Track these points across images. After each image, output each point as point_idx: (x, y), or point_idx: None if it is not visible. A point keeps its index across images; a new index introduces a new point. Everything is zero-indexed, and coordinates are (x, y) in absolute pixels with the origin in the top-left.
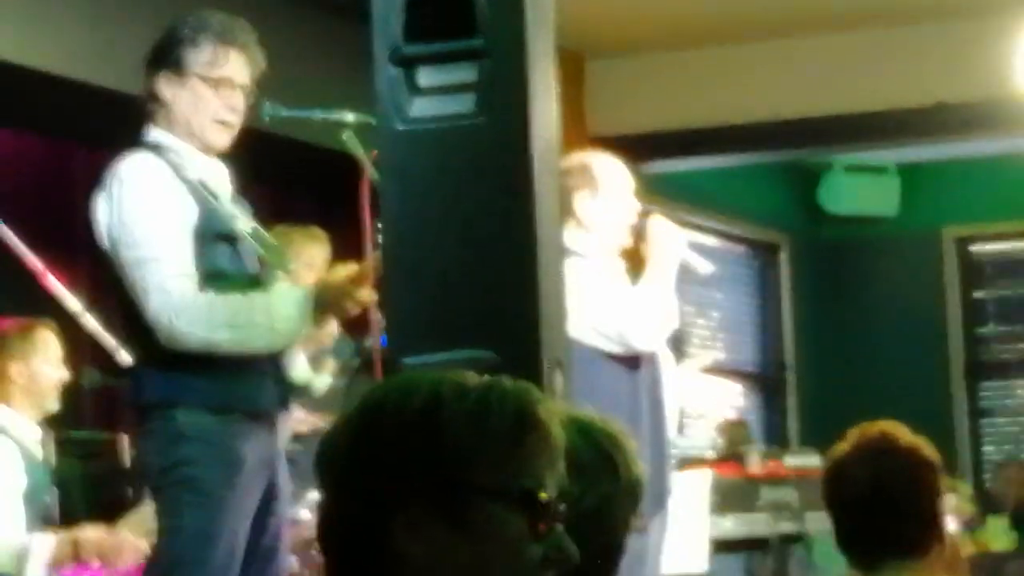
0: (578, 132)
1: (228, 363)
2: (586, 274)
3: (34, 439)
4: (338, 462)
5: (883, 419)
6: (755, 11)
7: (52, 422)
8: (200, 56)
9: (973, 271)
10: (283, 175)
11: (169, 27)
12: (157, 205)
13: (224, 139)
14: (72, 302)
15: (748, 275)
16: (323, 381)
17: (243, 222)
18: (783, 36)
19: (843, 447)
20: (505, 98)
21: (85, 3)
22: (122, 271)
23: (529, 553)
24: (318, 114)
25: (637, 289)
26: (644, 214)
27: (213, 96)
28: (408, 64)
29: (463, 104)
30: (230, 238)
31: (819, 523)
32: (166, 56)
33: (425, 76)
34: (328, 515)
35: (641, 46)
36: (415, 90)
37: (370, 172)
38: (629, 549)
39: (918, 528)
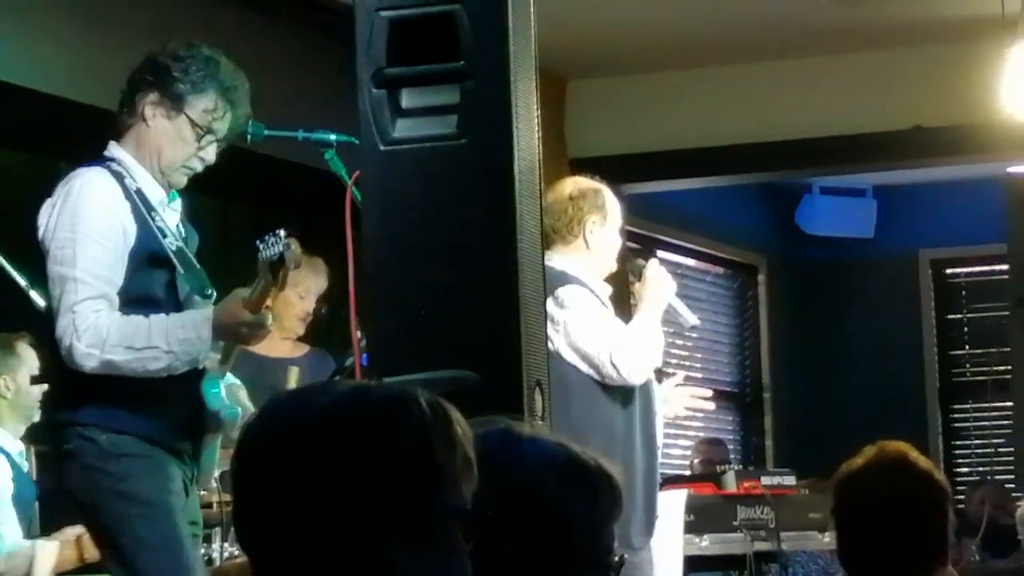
0: (558, 153)
1: (139, 392)
2: (588, 304)
3: (19, 452)
4: (312, 483)
5: (859, 440)
6: (735, 34)
7: (30, 435)
8: (200, 102)
9: (948, 294)
10: (265, 194)
11: (178, 55)
12: (94, 224)
13: (183, 182)
14: None
15: (726, 295)
16: (230, 414)
17: (171, 240)
18: (763, 59)
19: (858, 461)
20: (487, 120)
21: (68, 20)
22: (48, 284)
23: (468, 563)
24: (301, 134)
25: (630, 325)
26: (635, 252)
27: (194, 142)
28: (391, 85)
29: (445, 125)
30: (167, 262)
31: (795, 542)
32: (166, 84)
33: (408, 98)
34: (293, 537)
35: (621, 68)
36: (398, 111)
37: (352, 192)
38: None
39: (926, 548)
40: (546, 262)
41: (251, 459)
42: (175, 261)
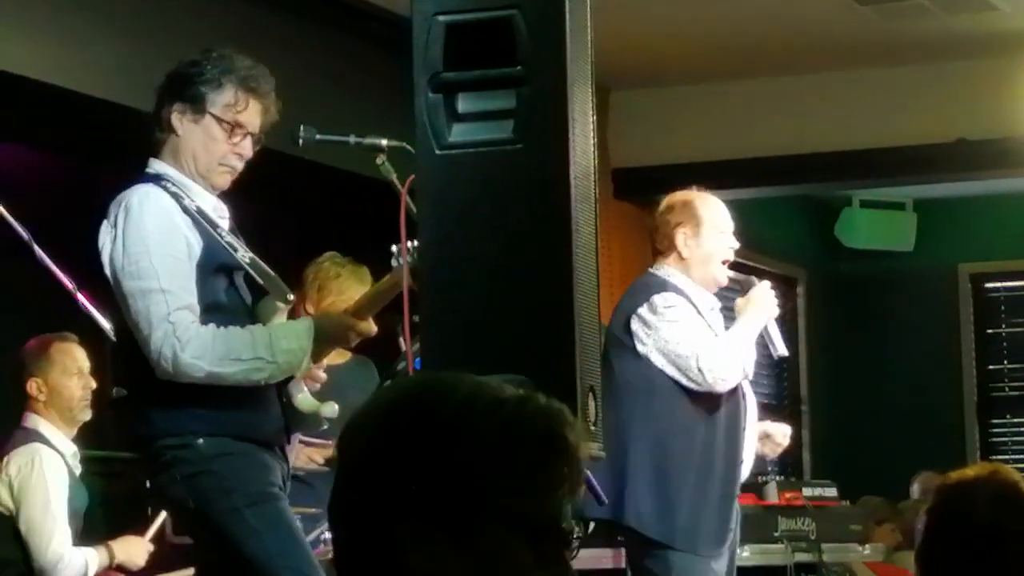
0: (600, 163)
1: (232, 393)
2: (682, 310)
3: (72, 452)
4: (358, 450)
5: (896, 453)
6: (778, 46)
7: (76, 440)
8: (221, 98)
9: (988, 308)
10: (313, 202)
11: (192, 61)
12: (163, 237)
13: (226, 181)
14: (102, 320)
15: None
16: (330, 409)
17: (242, 253)
18: (805, 71)
19: (970, 473)
20: (543, 125)
21: (111, 23)
22: (124, 302)
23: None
24: (352, 139)
25: (723, 334)
26: (750, 273)
27: (225, 139)
28: (448, 90)
29: (502, 130)
30: (229, 270)
31: (836, 554)
32: (185, 90)
33: (464, 102)
34: (338, 501)
35: (664, 79)
36: (454, 116)
37: (406, 198)
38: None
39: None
40: (653, 272)
41: (341, 447)
42: (252, 272)
